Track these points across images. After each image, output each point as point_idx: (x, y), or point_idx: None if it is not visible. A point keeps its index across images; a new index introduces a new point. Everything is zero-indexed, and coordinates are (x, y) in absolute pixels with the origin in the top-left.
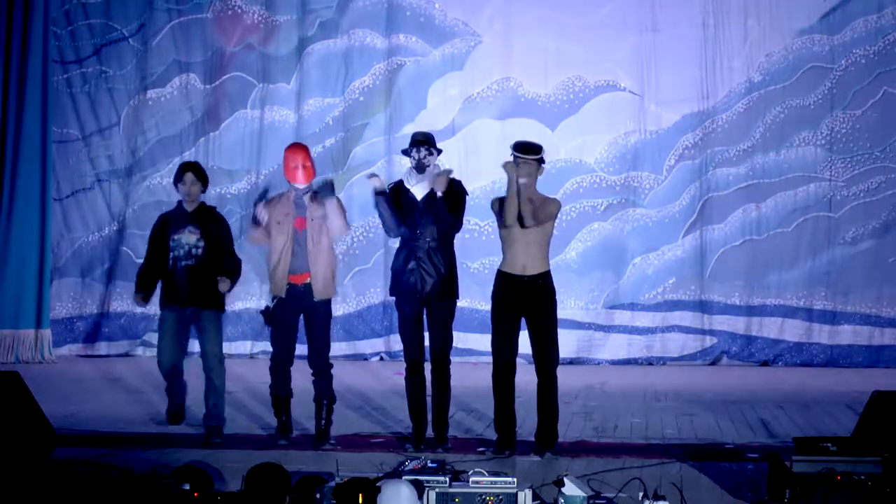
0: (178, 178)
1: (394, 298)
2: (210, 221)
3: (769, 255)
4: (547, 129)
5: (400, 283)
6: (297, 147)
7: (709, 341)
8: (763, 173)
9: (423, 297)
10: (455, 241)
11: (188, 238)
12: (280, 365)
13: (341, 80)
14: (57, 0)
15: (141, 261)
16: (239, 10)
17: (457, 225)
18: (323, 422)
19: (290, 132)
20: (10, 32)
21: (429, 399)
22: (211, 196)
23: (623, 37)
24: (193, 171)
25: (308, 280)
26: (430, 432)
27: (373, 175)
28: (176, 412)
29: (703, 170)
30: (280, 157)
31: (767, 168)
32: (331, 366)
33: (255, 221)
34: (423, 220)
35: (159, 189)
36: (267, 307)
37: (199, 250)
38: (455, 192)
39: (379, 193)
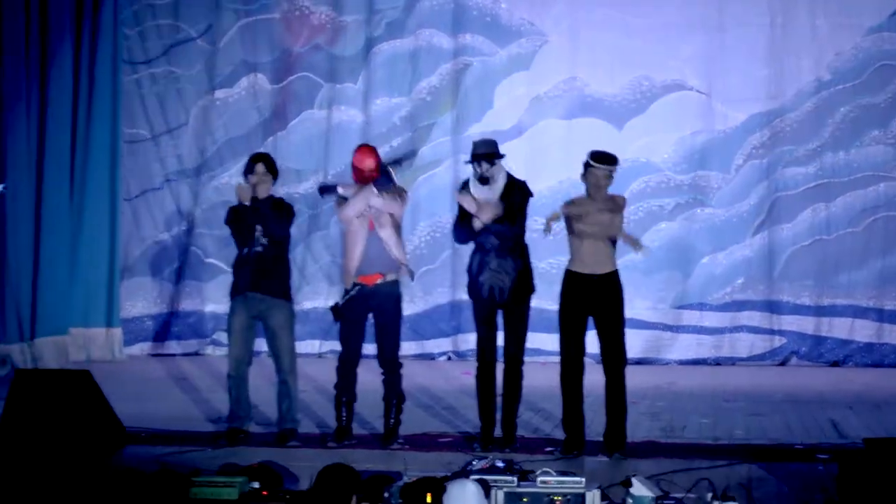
0: (249, 170)
1: (463, 298)
2: (277, 208)
3: (839, 254)
4: (614, 128)
5: (474, 288)
6: (363, 150)
7: (778, 341)
8: (832, 173)
9: (498, 303)
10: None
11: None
12: (347, 364)
13: (408, 79)
14: (126, 1)
15: (211, 260)
16: (306, 11)
17: (515, 230)
18: (392, 421)
19: (357, 132)
20: (79, 33)
21: (499, 398)
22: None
23: (690, 36)
24: (264, 162)
25: (378, 281)
26: (498, 431)
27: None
28: (237, 429)
29: (772, 169)
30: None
31: (837, 167)
32: (400, 365)
33: (338, 196)
34: (489, 230)
35: (228, 189)
36: (336, 303)
37: (266, 237)
38: (516, 198)
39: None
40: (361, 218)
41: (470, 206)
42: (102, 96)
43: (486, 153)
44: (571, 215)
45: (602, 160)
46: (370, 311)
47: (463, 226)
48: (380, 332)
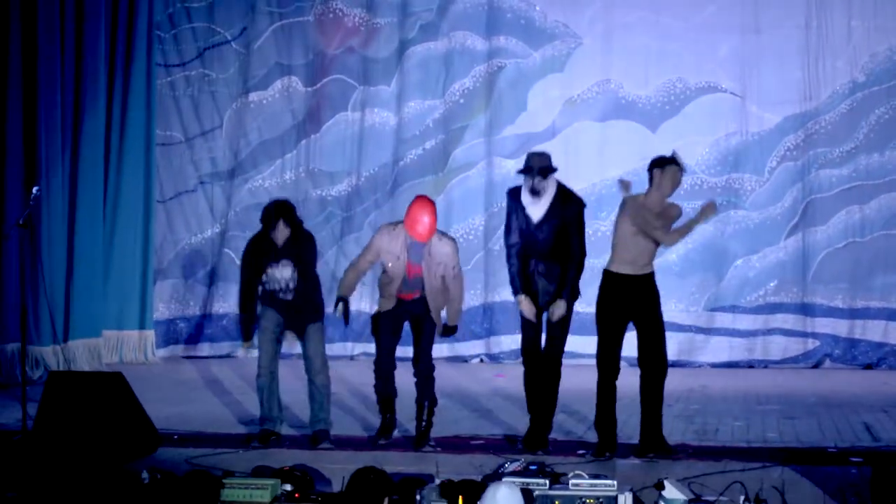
0: (270, 225)
1: (496, 300)
2: (301, 248)
3: (873, 257)
4: (648, 131)
5: (517, 290)
6: (426, 204)
7: (811, 344)
8: (867, 175)
9: (540, 306)
10: None
11: (283, 272)
12: (384, 366)
13: (441, 82)
14: (161, 4)
15: None
16: (340, 14)
17: (579, 255)
18: (424, 423)
19: (390, 134)
20: (114, 36)
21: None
22: (312, 198)
23: (724, 38)
24: (285, 219)
25: (417, 296)
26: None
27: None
28: (269, 431)
29: (806, 171)
30: (381, 160)
31: (871, 169)
32: (433, 368)
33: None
34: (537, 238)
35: (261, 191)
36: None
37: (295, 282)
38: (574, 220)
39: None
40: (398, 259)
41: (530, 316)
42: (137, 99)
43: (540, 167)
44: (630, 208)
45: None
46: (408, 319)
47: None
48: (417, 335)
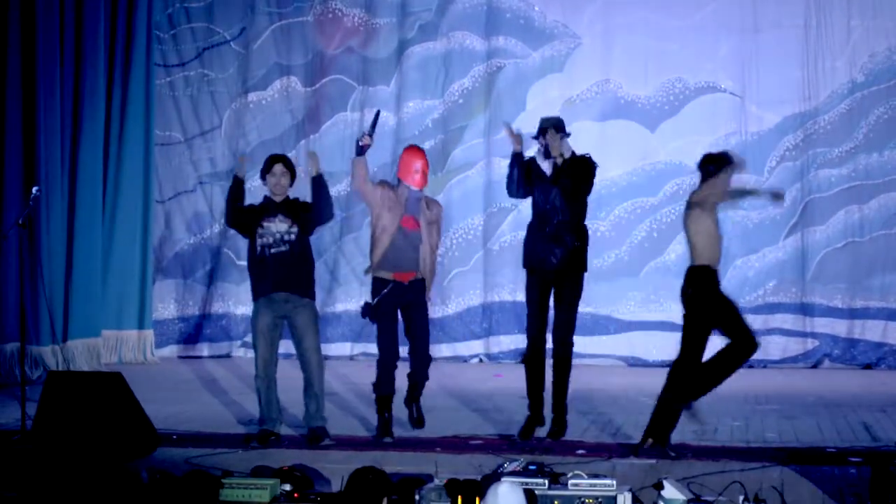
0: (267, 170)
1: (495, 300)
2: (301, 210)
3: (872, 257)
4: (647, 130)
5: (529, 254)
6: (417, 151)
7: (810, 344)
8: (866, 175)
9: (552, 268)
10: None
11: (279, 226)
12: (389, 361)
13: (441, 82)
14: (160, 4)
15: (243, 262)
16: (339, 14)
17: (585, 190)
18: (415, 413)
19: (389, 135)
20: (114, 36)
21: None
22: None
23: (724, 38)
24: (283, 163)
25: (413, 278)
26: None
27: (512, 131)
28: (268, 431)
29: (805, 171)
30: (380, 160)
31: (871, 169)
32: (431, 359)
33: (361, 149)
34: (552, 193)
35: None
36: (367, 303)
37: (293, 236)
38: (583, 163)
39: (516, 154)
40: (393, 212)
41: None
42: (136, 99)
43: (554, 125)
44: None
45: None
46: (401, 307)
47: (517, 176)
48: (412, 324)
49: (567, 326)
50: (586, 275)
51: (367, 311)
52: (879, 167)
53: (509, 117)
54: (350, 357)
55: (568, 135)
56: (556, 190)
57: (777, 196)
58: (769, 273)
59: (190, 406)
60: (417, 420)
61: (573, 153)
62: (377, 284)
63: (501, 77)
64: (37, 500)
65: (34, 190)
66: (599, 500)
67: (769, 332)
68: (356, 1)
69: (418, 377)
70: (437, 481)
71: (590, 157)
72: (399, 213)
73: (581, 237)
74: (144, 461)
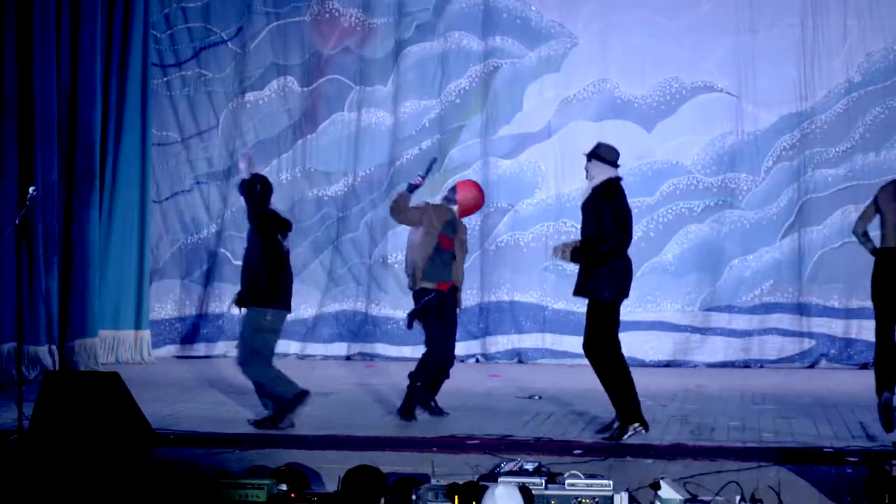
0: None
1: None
2: (251, 215)
3: (868, 257)
4: (643, 130)
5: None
6: (483, 198)
7: (807, 344)
8: (863, 174)
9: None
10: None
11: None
12: (445, 364)
13: (437, 82)
14: (157, 4)
15: (239, 262)
16: (336, 14)
17: (612, 244)
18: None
19: (386, 134)
20: (110, 36)
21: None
22: (308, 198)
23: (720, 37)
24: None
25: (449, 287)
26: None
27: None
28: (303, 391)
29: (802, 171)
30: (377, 160)
31: (867, 169)
32: None
33: (412, 187)
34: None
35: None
36: (417, 307)
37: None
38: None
39: None
40: (430, 236)
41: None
42: (132, 99)
43: (589, 152)
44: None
45: None
46: (441, 310)
47: None
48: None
49: (588, 338)
50: None
51: (423, 311)
52: (876, 167)
53: (506, 117)
54: (347, 357)
55: (600, 157)
56: (582, 215)
57: None
58: (766, 273)
59: (187, 406)
60: (440, 410)
61: (606, 181)
62: (420, 294)
63: (498, 77)
64: (34, 500)
65: (31, 190)
66: (596, 500)
67: (766, 332)
68: (353, 1)
69: (445, 375)
70: (433, 481)
71: (612, 191)
72: (435, 235)
73: (605, 246)
74: (142, 461)
